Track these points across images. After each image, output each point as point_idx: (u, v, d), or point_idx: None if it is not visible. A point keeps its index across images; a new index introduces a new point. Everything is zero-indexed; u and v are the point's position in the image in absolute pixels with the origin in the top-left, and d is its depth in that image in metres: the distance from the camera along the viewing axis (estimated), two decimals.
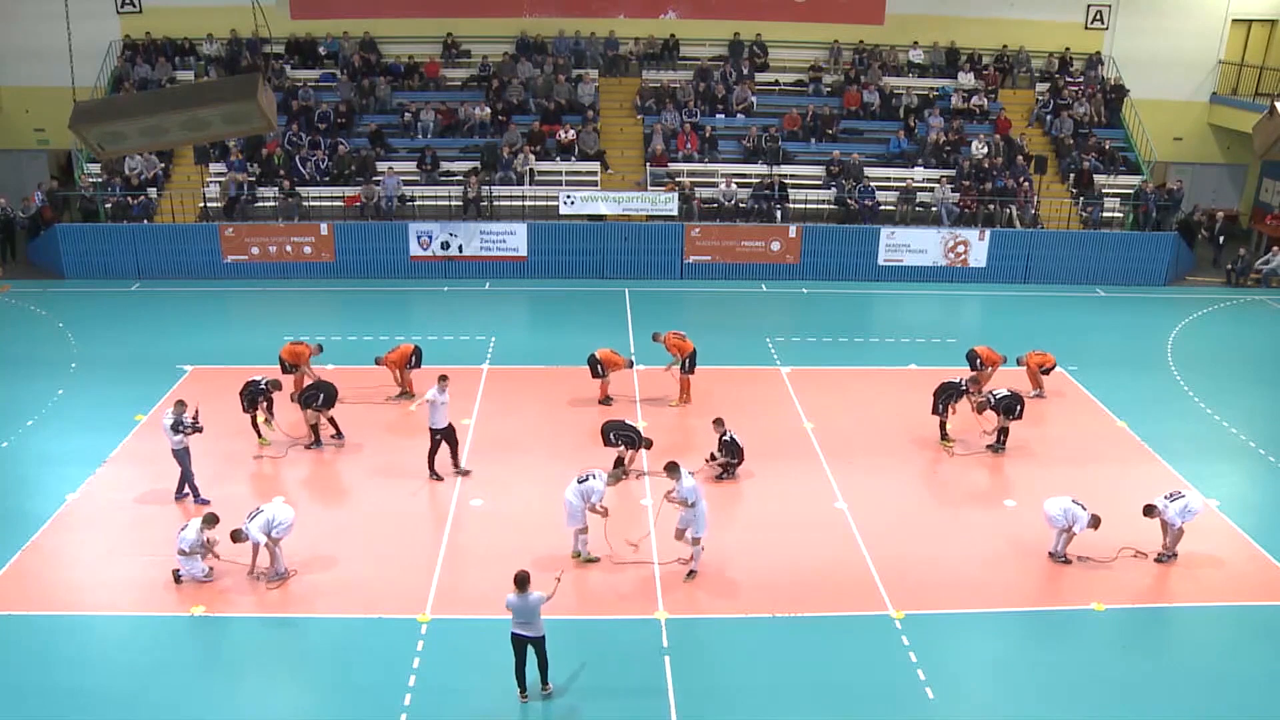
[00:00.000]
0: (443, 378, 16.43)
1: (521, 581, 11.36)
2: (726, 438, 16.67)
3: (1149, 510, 14.60)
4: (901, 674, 12.38)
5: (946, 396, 18.11)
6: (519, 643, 11.55)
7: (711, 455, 16.91)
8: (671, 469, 13.85)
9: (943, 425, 18.35)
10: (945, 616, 13.56)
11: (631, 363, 20.00)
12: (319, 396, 17.44)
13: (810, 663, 12.56)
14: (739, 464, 16.85)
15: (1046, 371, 20.37)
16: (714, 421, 16.95)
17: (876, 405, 19.88)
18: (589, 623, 13.10)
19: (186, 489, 15.89)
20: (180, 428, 15.41)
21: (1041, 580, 14.39)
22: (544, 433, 18.43)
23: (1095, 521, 14.34)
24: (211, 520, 13.74)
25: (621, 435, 16.59)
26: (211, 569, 13.81)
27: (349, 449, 17.91)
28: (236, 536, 13.55)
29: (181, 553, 13.55)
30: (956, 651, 12.93)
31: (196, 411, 15.90)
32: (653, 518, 15.73)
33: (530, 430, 18.57)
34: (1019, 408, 17.80)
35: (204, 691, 11.84)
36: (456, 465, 16.88)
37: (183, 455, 15.64)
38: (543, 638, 11.62)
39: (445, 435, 16.52)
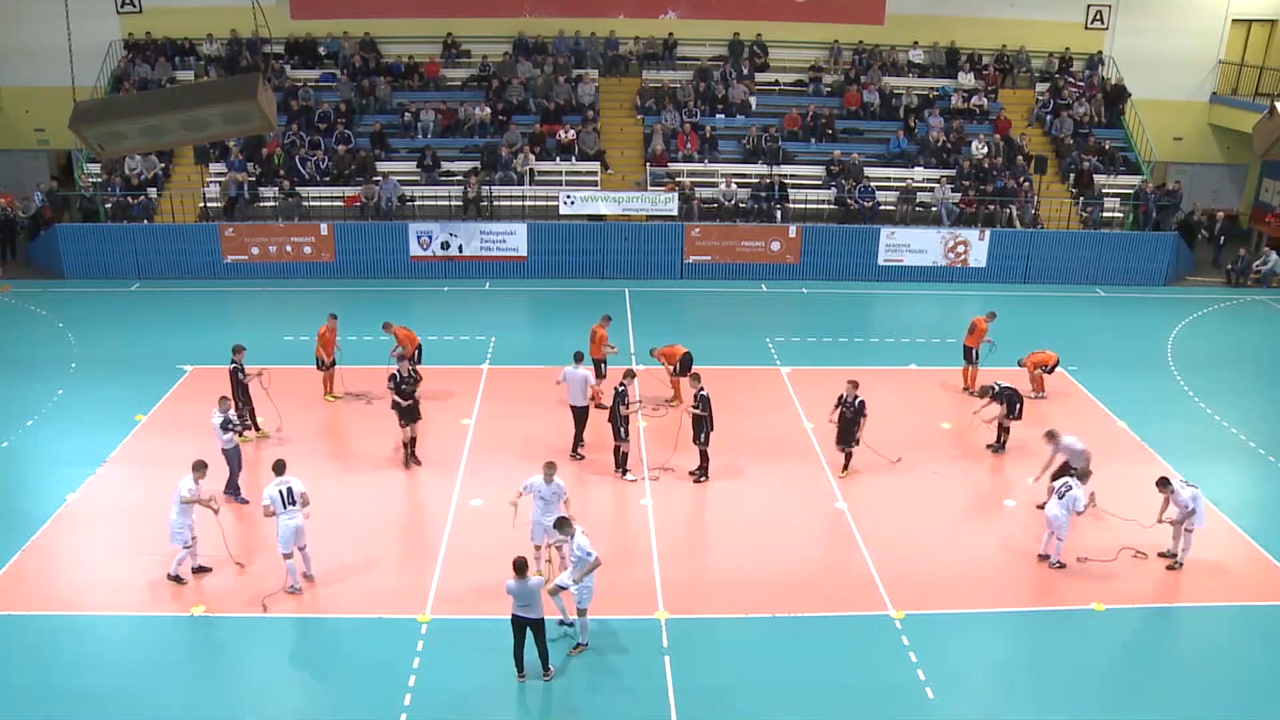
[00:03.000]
0: (578, 355, 17.44)
1: (520, 567, 11.61)
2: (703, 393, 16.59)
3: (1163, 483, 14.51)
4: (901, 674, 12.38)
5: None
6: (519, 625, 11.80)
7: (695, 474, 16.99)
8: (562, 525, 12.56)
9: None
10: (945, 616, 13.56)
11: (609, 318, 20.11)
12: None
13: (810, 663, 12.57)
14: (710, 429, 16.67)
15: (1050, 370, 20.30)
16: (691, 376, 17.14)
17: (876, 405, 19.83)
18: (589, 622, 13.07)
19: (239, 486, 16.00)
20: (230, 426, 15.44)
21: (1042, 580, 14.38)
22: (544, 433, 18.43)
23: (1085, 474, 14.36)
24: (200, 466, 13.65)
25: (620, 419, 16.61)
26: (194, 539, 13.64)
27: (348, 450, 17.90)
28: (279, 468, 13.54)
29: (184, 500, 13.40)
30: (956, 651, 12.93)
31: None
32: (652, 519, 15.76)
33: (530, 430, 18.57)
34: (1019, 406, 17.79)
35: (204, 691, 11.85)
36: (577, 446, 17.59)
37: (233, 454, 15.66)
38: (542, 621, 11.86)
39: (579, 414, 17.38)
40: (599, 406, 18.96)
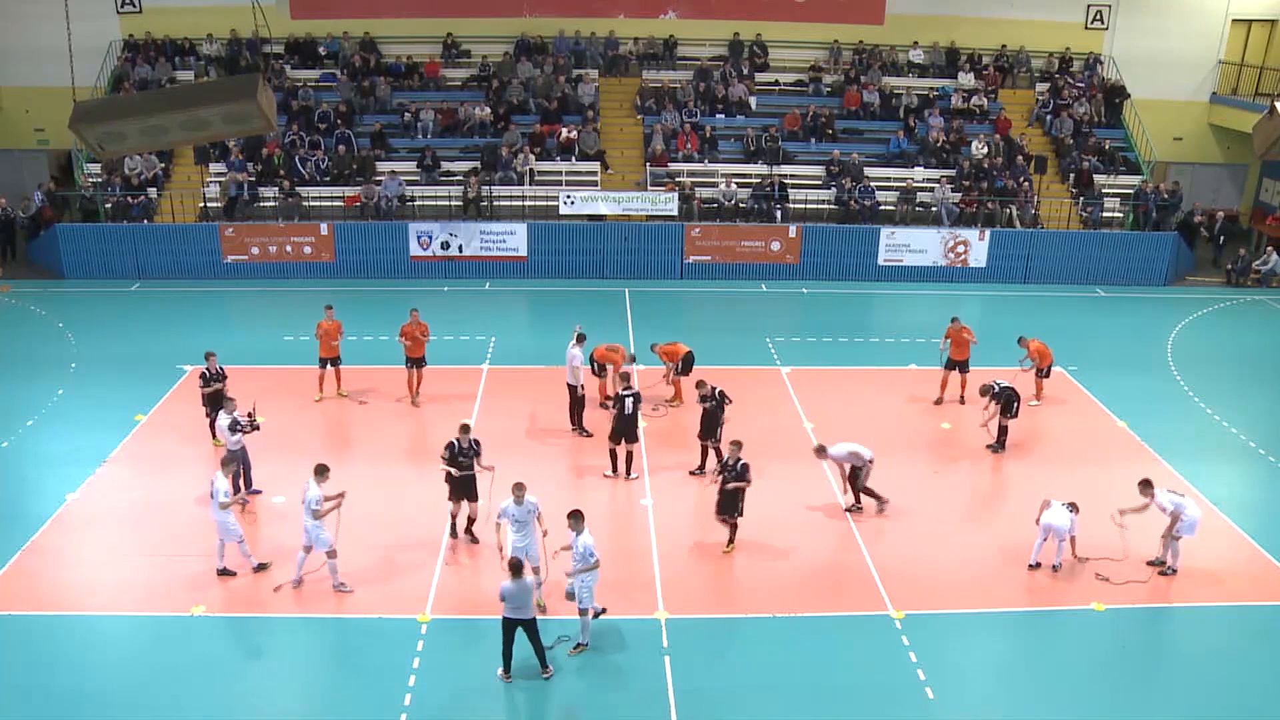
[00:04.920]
0: (580, 335, 17.91)
1: (516, 568, 11.63)
2: (715, 390, 16.71)
3: (1146, 485, 14.34)
4: (901, 674, 12.39)
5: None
6: (509, 625, 11.80)
7: (712, 471, 16.83)
8: (574, 518, 12.39)
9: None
10: (945, 616, 13.56)
11: (633, 358, 19.94)
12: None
13: (810, 663, 12.57)
14: (723, 423, 16.68)
15: (1044, 374, 20.05)
16: (696, 384, 17.06)
17: (876, 405, 19.88)
18: (589, 622, 13.06)
19: (250, 488, 16.01)
20: (238, 427, 15.45)
21: (1042, 580, 14.38)
22: (544, 433, 18.44)
23: (1074, 508, 14.44)
24: (230, 462, 13.80)
25: (625, 424, 16.60)
26: (241, 539, 13.84)
27: (347, 450, 17.87)
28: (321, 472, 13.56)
29: (222, 506, 13.51)
30: (956, 651, 12.94)
31: (253, 408, 16.00)
32: (652, 519, 15.76)
33: (530, 430, 18.59)
34: (1015, 405, 17.75)
35: (204, 691, 11.85)
36: (575, 425, 18.24)
37: (240, 455, 15.68)
38: (534, 620, 11.88)
39: (570, 392, 17.99)
40: (603, 405, 18.95)
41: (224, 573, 13.92)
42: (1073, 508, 14.43)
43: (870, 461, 15.72)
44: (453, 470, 14.41)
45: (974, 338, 19.83)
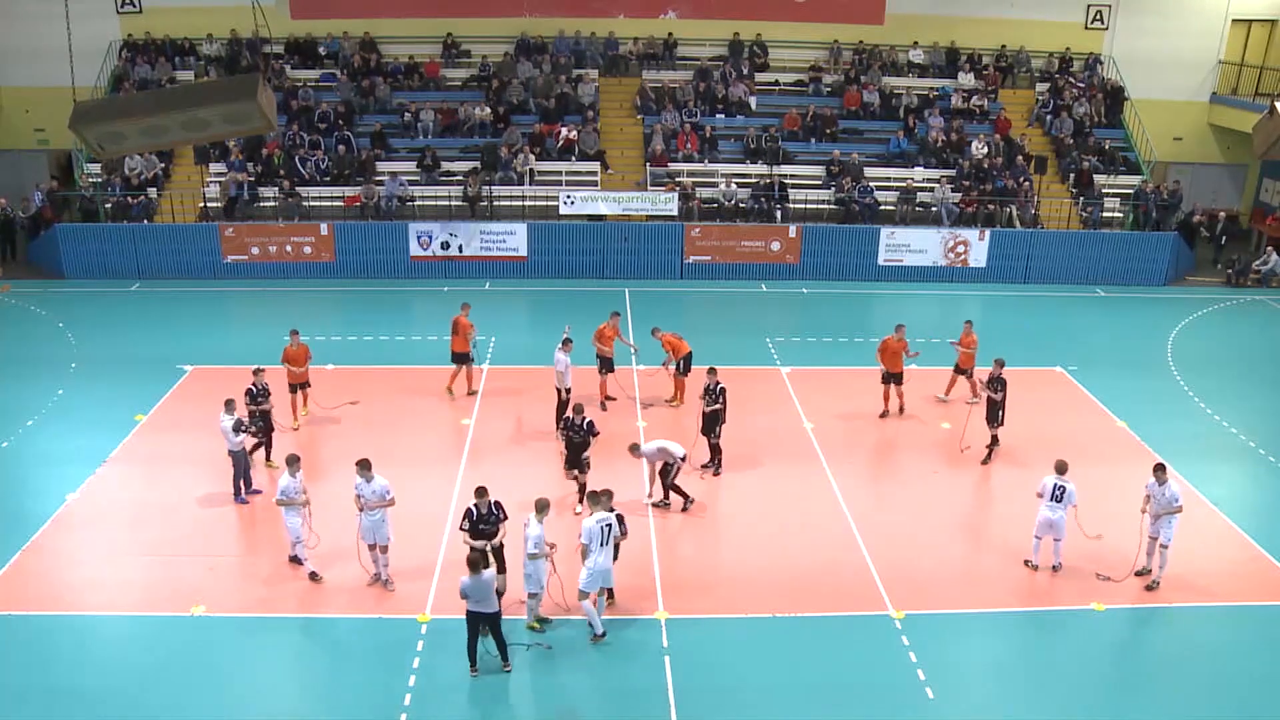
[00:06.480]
0: (568, 341, 18.05)
1: (475, 563, 11.63)
2: (720, 385, 16.71)
3: (1160, 470, 14.01)
4: (901, 674, 12.38)
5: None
6: (474, 620, 11.81)
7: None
8: (593, 499, 12.57)
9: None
10: (945, 616, 13.56)
11: (617, 313, 20.04)
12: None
13: (810, 663, 12.56)
14: (722, 422, 16.75)
15: (967, 373, 19.60)
16: (708, 371, 16.99)
17: (876, 405, 19.86)
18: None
19: (250, 488, 16.00)
20: (241, 428, 15.45)
21: (1042, 580, 14.37)
22: (543, 433, 18.43)
23: (1063, 467, 14.18)
24: (294, 460, 13.84)
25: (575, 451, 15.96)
26: (310, 531, 13.97)
27: (344, 450, 17.85)
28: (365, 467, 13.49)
29: (281, 503, 13.66)
30: (956, 651, 12.93)
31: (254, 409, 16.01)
32: (652, 520, 15.75)
33: (530, 431, 18.58)
34: (1000, 414, 17.53)
35: (204, 691, 11.84)
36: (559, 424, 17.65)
37: (240, 456, 15.68)
38: (498, 614, 11.90)
39: (559, 396, 18.14)
40: (603, 406, 18.94)
41: (294, 560, 14.13)
42: (1060, 470, 14.08)
43: (682, 459, 15.63)
44: (476, 545, 12.52)
45: (909, 352, 19.12)
